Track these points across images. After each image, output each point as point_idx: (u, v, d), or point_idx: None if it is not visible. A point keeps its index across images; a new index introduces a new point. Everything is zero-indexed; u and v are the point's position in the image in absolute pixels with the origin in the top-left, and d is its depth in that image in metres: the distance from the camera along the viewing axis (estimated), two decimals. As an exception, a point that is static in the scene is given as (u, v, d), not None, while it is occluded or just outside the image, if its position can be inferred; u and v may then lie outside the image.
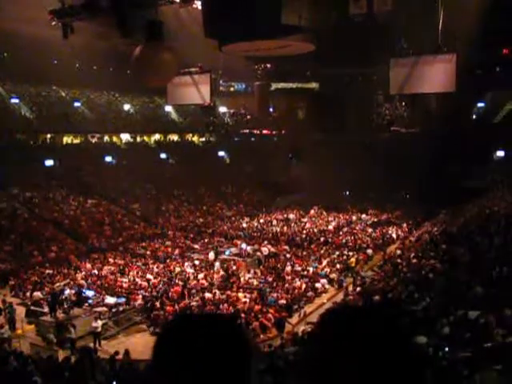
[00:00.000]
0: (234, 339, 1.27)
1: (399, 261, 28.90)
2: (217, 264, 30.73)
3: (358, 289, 25.99)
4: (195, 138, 67.95)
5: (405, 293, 19.20)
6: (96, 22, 24.38)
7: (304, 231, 41.84)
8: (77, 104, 56.29)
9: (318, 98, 64.43)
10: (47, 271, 30.61)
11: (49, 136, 51.77)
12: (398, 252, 32.27)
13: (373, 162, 49.26)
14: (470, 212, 36.35)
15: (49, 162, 46.48)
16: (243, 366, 1.24)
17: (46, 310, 23.53)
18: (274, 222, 46.61)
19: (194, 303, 24.11)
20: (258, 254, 33.74)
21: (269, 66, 60.53)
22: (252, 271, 30.13)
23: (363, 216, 48.15)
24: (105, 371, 15.26)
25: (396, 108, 61.02)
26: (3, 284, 28.84)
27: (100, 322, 21.30)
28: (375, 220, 46.31)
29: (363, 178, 48.28)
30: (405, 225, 42.90)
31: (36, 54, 43.63)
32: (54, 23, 20.14)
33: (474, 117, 58.04)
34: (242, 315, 21.99)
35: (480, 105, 57.39)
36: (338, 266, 30.74)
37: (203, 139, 68.23)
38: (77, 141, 54.42)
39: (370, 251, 34.19)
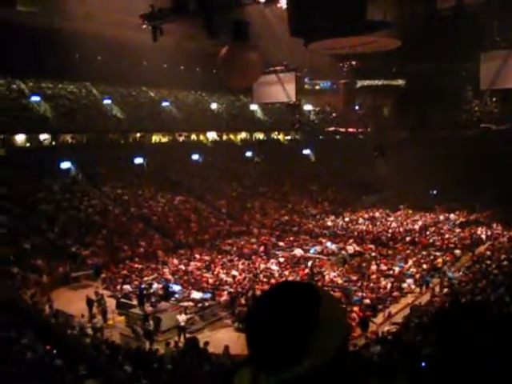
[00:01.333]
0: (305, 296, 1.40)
1: (489, 262, 28.03)
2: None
3: (445, 290, 25.39)
4: (280, 136, 68.12)
5: (494, 295, 18.63)
6: (184, 24, 25.02)
7: (390, 230, 41.24)
8: (165, 103, 57.66)
9: (404, 95, 63.25)
10: (136, 265, 31.68)
11: (138, 135, 53.26)
12: (488, 253, 31.27)
13: (461, 161, 47.81)
14: None
15: (138, 160, 47.84)
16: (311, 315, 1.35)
17: (135, 302, 24.38)
18: (360, 221, 46.17)
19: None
20: (343, 252, 33.57)
21: (354, 63, 59.86)
22: (337, 269, 30.03)
23: (451, 216, 46.84)
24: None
25: (486, 104, 58.96)
26: (96, 277, 30.04)
27: (184, 317, 21.80)
28: (463, 220, 44.94)
29: (451, 177, 46.86)
30: (495, 225, 41.39)
31: (126, 56, 45.15)
32: (144, 26, 20.82)
33: None
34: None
35: None
36: (424, 266, 30.13)
37: (288, 137, 68.29)
38: (165, 139, 55.72)
39: (457, 252, 33.23)
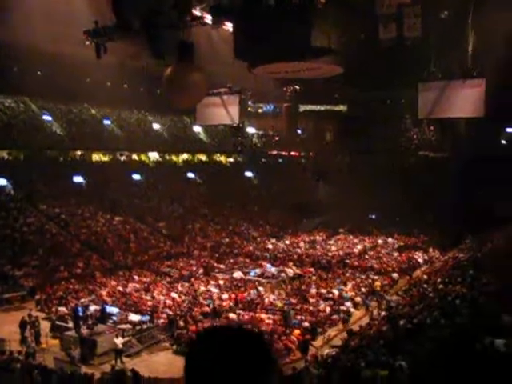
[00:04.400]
0: (257, 352, 1.43)
1: (425, 286, 28.56)
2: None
3: (383, 313, 25.69)
4: (223, 158, 68.17)
5: (430, 318, 18.91)
6: (128, 42, 24.82)
7: (330, 253, 41.60)
8: (107, 122, 56.97)
9: (346, 121, 64.36)
10: (72, 287, 30.86)
11: (79, 153, 52.27)
12: (425, 277, 31.90)
13: (400, 186, 48.85)
14: (498, 239, 35.72)
15: (78, 179, 46.91)
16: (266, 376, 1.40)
17: (71, 325, 23.69)
18: (300, 244, 46.40)
19: (217, 323, 24.02)
20: (283, 275, 33.63)
21: (297, 87, 60.64)
22: (276, 292, 30.01)
23: (389, 240, 47.71)
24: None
25: (424, 132, 60.69)
26: (31, 297, 29.09)
27: (121, 339, 21.29)
28: (401, 244, 45.85)
29: (390, 202, 47.81)
30: (431, 249, 42.40)
31: (69, 72, 44.30)
32: (87, 43, 20.54)
33: (504, 142, 57.05)
34: (266, 336, 21.83)
35: (509, 130, 56.30)
36: (363, 289, 30.48)
37: (231, 159, 68.43)
38: (106, 158, 54.90)
39: (395, 275, 33.84)
